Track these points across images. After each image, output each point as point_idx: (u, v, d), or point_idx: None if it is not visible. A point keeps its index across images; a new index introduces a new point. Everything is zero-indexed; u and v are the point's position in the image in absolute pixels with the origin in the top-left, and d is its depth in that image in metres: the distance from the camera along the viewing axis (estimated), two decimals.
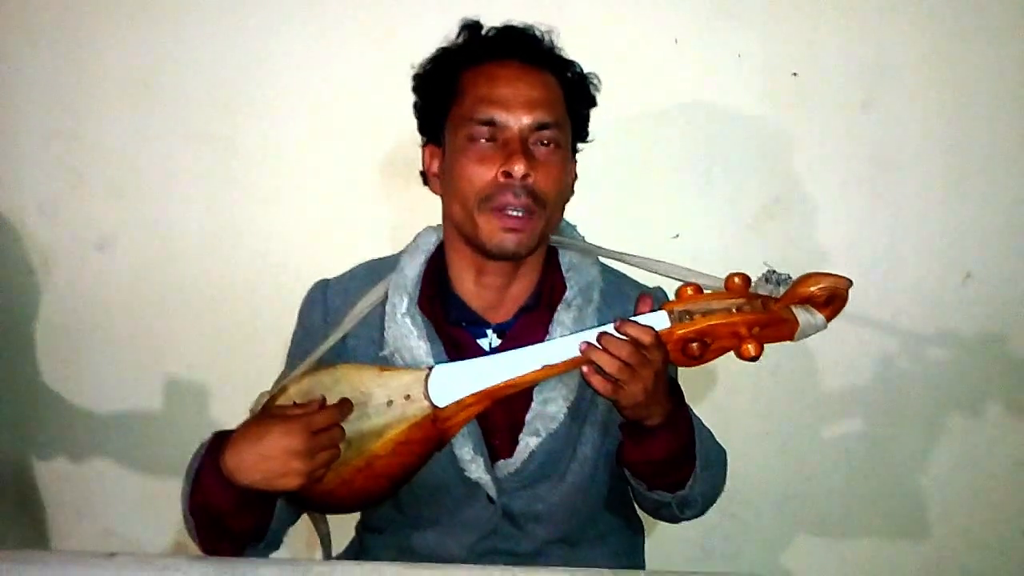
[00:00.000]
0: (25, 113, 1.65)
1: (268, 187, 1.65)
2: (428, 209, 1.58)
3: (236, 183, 1.65)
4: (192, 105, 1.62)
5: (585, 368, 0.91)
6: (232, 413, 1.61)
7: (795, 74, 1.54)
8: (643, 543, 1.21)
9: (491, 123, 0.98)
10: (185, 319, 1.70)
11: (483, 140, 0.98)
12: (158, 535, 1.79)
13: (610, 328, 0.90)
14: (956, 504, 1.68)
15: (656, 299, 1.09)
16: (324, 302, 1.09)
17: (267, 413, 0.92)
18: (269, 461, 0.86)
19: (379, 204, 1.63)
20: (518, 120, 0.98)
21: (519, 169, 0.95)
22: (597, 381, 0.91)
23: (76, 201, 1.67)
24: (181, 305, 1.70)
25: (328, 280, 1.12)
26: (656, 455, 1.00)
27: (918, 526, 1.70)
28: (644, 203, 1.52)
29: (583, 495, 1.08)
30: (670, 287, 1.06)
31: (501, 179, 0.97)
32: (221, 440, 0.91)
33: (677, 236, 1.61)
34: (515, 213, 0.97)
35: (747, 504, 1.68)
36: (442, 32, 1.51)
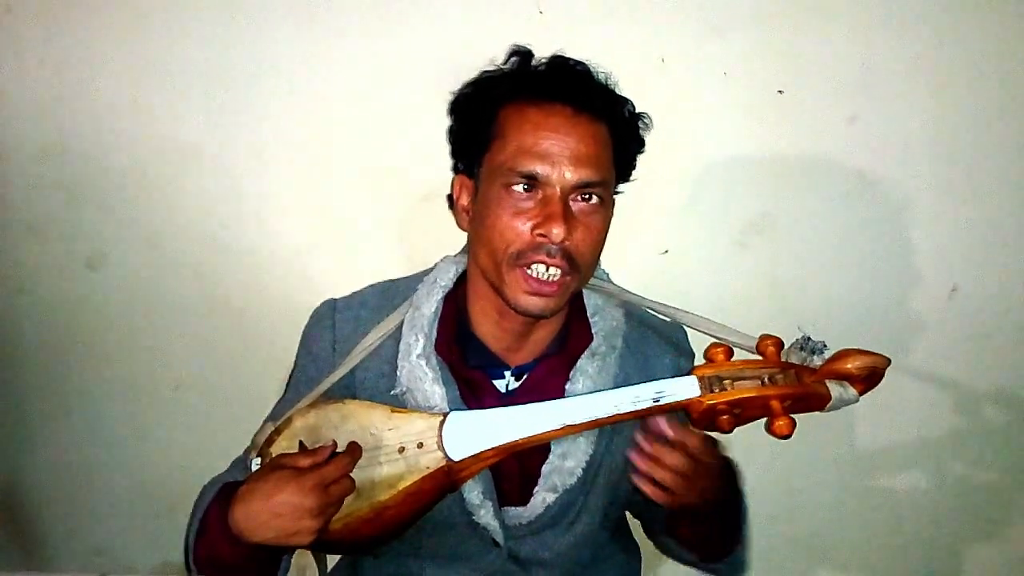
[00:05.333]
0: (14, 130, 1.65)
1: (260, 204, 1.64)
2: (423, 225, 1.59)
3: (228, 200, 1.64)
4: (183, 120, 1.62)
5: (636, 477, 0.88)
6: (223, 431, 1.62)
7: (780, 91, 1.55)
8: (640, 568, 1.21)
9: (532, 177, 0.91)
10: (176, 337, 1.69)
11: (521, 191, 0.92)
12: (148, 555, 1.78)
13: (664, 425, 0.85)
14: (940, 505, 1.69)
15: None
16: (333, 328, 1.03)
17: (276, 465, 0.87)
18: (280, 519, 0.82)
19: (373, 220, 1.63)
20: (561, 177, 0.91)
21: (557, 233, 0.90)
22: (652, 491, 0.87)
23: (66, 219, 1.66)
24: (172, 323, 1.69)
25: (336, 302, 1.06)
26: (706, 532, 1.00)
27: (901, 527, 1.71)
28: (632, 220, 1.52)
29: (590, 542, 1.07)
30: (692, 336, 1.06)
31: (536, 238, 0.91)
32: (228, 493, 0.88)
33: (666, 252, 1.62)
34: (547, 276, 0.91)
35: None
36: (440, 44, 1.54)
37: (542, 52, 1.01)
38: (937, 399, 1.63)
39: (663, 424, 0.86)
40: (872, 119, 1.56)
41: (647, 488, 0.87)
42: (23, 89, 1.63)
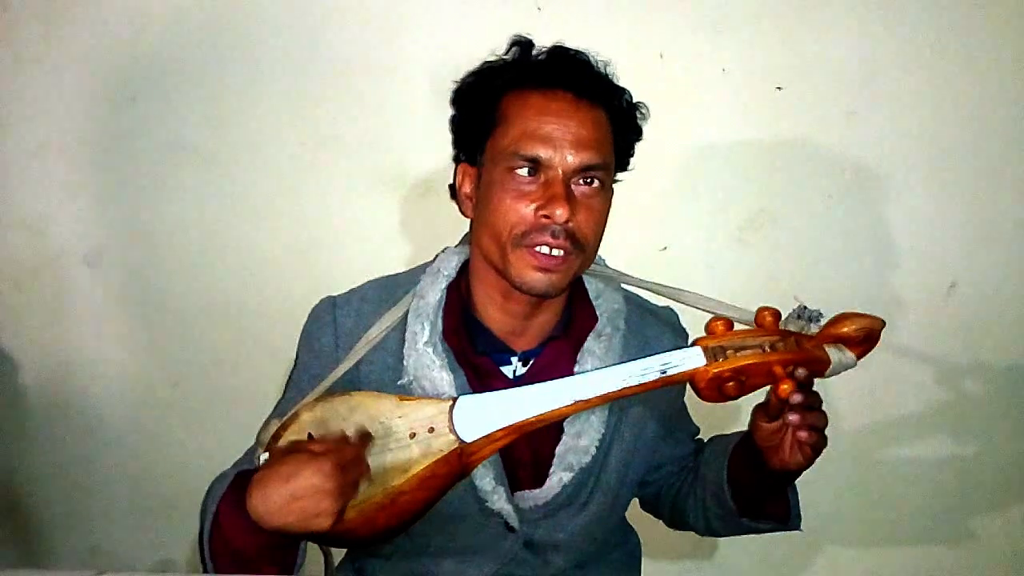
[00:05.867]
0: (12, 127, 1.65)
1: (259, 201, 1.64)
2: (422, 222, 1.60)
3: (226, 197, 1.65)
4: (182, 118, 1.62)
5: (784, 449, 0.92)
6: (221, 429, 1.62)
7: (779, 88, 1.55)
8: (640, 555, 1.21)
9: (535, 160, 0.93)
10: (174, 335, 1.69)
11: (524, 175, 0.94)
12: (146, 552, 1.77)
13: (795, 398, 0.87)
14: (943, 509, 1.70)
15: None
16: (334, 324, 1.03)
17: (289, 451, 0.86)
18: (300, 502, 0.81)
19: (371, 218, 1.63)
20: (563, 160, 0.93)
21: (561, 214, 0.91)
22: (805, 457, 0.92)
23: (64, 216, 1.66)
24: (170, 321, 1.69)
25: (335, 298, 1.05)
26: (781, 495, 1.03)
27: (899, 531, 1.71)
28: (631, 216, 1.52)
29: (603, 523, 1.07)
30: (686, 313, 1.06)
31: (540, 220, 0.93)
32: (240, 484, 0.86)
33: (665, 248, 1.62)
34: (551, 253, 0.93)
35: None
36: (439, 42, 1.54)
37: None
38: (935, 394, 1.63)
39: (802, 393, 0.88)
40: (870, 115, 1.56)
41: (802, 454, 0.91)
42: (21, 85, 1.63)
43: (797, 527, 1.07)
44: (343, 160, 1.62)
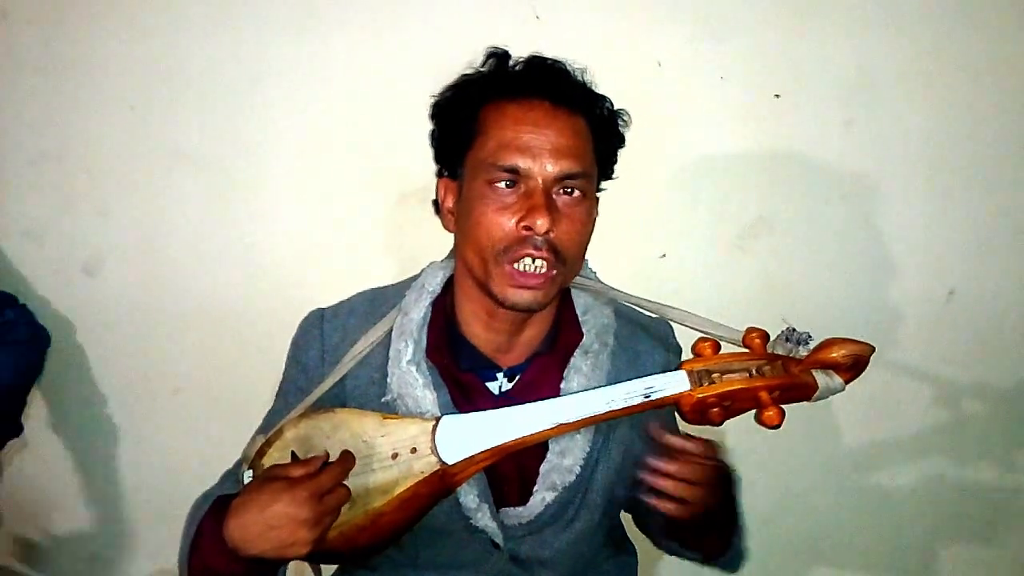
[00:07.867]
0: (11, 135, 1.65)
1: (257, 209, 1.64)
2: (419, 230, 1.59)
3: (225, 205, 1.64)
4: (181, 126, 1.62)
5: (649, 496, 0.89)
6: (221, 436, 1.62)
7: (777, 95, 1.56)
8: (636, 565, 1.21)
9: (514, 171, 0.92)
10: (173, 343, 1.69)
11: (504, 187, 0.93)
12: (144, 561, 1.77)
13: (670, 438, 0.87)
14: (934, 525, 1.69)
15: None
16: (321, 338, 1.04)
17: (269, 476, 0.85)
18: (277, 531, 0.81)
19: (370, 225, 1.63)
20: (543, 169, 0.92)
21: (541, 224, 0.90)
22: (666, 507, 0.89)
23: (63, 224, 1.66)
24: (169, 328, 1.69)
25: (323, 311, 1.06)
26: (707, 533, 1.01)
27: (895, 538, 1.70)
28: (630, 224, 1.53)
29: (590, 540, 1.07)
30: (679, 330, 1.07)
31: (521, 232, 0.92)
32: (221, 506, 0.86)
33: (664, 256, 1.62)
34: (532, 268, 0.92)
35: None
36: (436, 50, 1.54)
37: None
38: (933, 401, 1.63)
39: (669, 437, 0.88)
40: (868, 123, 1.57)
41: (663, 505, 0.89)
42: (20, 93, 1.63)
43: (734, 569, 1.06)
44: (342, 168, 1.62)
